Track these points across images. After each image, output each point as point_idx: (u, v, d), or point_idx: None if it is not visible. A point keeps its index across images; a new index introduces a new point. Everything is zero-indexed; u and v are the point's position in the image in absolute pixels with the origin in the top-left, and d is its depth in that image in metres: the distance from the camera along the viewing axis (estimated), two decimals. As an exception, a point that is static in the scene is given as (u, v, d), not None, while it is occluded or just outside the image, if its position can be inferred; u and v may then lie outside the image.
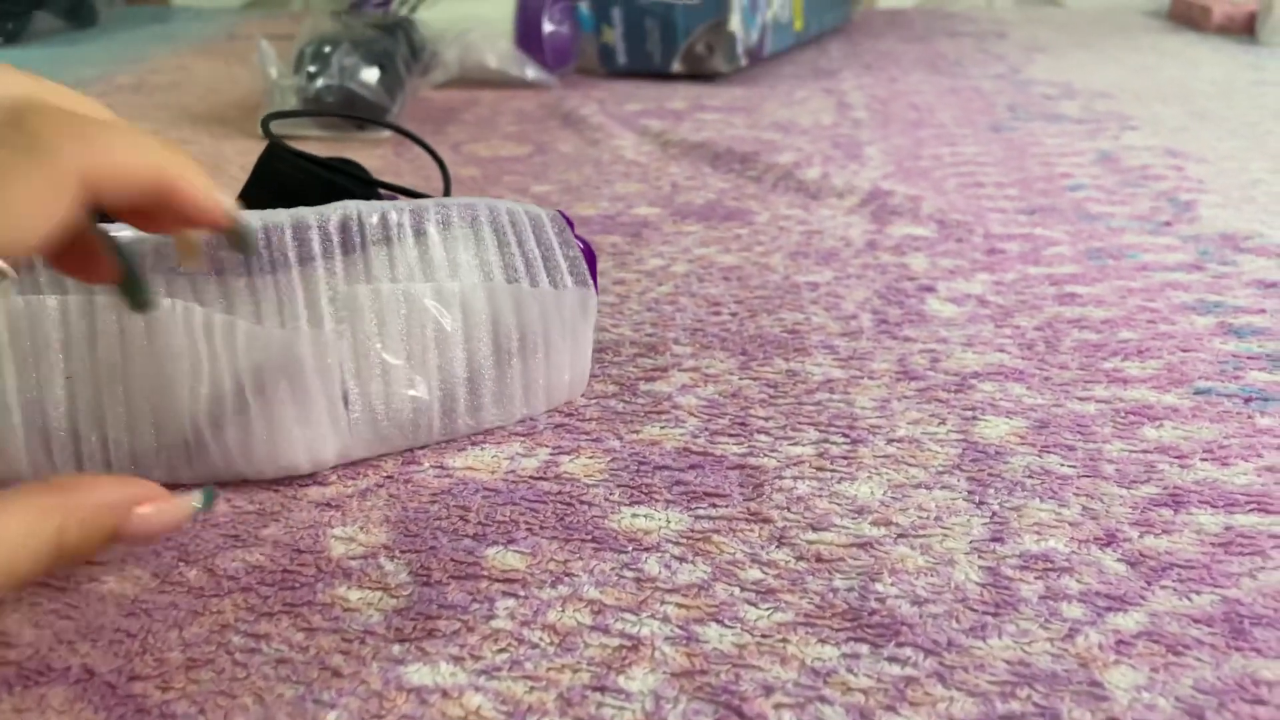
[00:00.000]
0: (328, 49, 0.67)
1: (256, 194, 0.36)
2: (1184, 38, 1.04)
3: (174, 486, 0.26)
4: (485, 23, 0.84)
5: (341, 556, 0.27)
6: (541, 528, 0.28)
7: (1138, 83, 0.83)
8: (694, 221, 0.53)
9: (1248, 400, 0.34)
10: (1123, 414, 0.33)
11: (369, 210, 0.31)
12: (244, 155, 0.65)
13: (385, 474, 0.31)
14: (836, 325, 0.40)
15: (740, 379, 0.36)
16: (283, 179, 0.36)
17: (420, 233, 0.32)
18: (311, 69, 0.66)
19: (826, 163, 0.62)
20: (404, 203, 0.32)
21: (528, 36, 0.84)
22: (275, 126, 0.41)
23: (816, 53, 1.00)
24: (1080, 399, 0.34)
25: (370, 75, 0.67)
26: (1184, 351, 0.37)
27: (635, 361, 0.38)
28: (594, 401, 0.35)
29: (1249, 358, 0.37)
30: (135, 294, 0.26)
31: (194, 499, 0.25)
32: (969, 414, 0.34)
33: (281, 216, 0.30)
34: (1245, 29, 1.05)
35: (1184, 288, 0.43)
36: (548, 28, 0.84)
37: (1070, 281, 0.44)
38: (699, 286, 0.44)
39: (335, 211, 0.31)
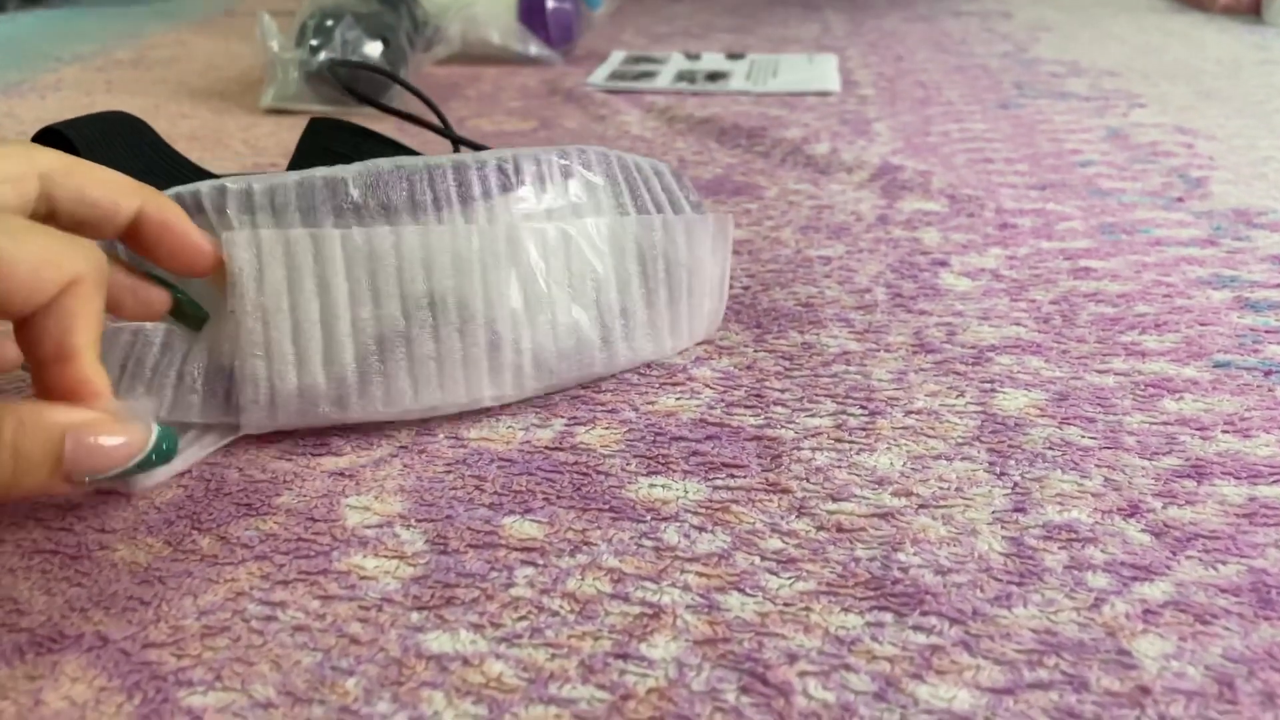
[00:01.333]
0: (330, 22, 0.66)
1: (306, 165, 0.34)
2: (1190, 18, 1.04)
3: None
4: (486, 2, 0.83)
5: (357, 525, 0.27)
6: (558, 497, 0.28)
7: (1144, 62, 0.83)
8: (703, 196, 0.52)
9: (1268, 373, 0.34)
10: (1142, 386, 0.33)
11: (520, 154, 0.32)
12: (245, 130, 0.64)
13: (399, 444, 0.31)
14: (850, 299, 0.40)
15: (755, 351, 0.36)
16: (334, 153, 0.35)
17: (568, 174, 0.33)
18: (314, 42, 0.65)
19: (835, 138, 0.62)
20: (541, 150, 0.33)
21: (531, 12, 0.83)
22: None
23: (820, 30, 1.00)
24: (1099, 371, 0.34)
25: (374, 49, 0.66)
26: (1202, 325, 0.37)
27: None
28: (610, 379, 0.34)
29: (1267, 331, 0.37)
30: (189, 316, 0.29)
31: (140, 440, 0.24)
32: (987, 386, 0.33)
33: (442, 159, 0.31)
34: (1251, 9, 1.04)
35: (1199, 262, 0.43)
36: (551, 4, 0.83)
37: (1084, 256, 0.44)
38: (710, 260, 0.44)
39: (492, 156, 0.32)
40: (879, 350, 0.36)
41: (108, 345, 0.30)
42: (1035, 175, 0.55)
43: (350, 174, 0.30)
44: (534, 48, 0.82)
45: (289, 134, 0.63)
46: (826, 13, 1.10)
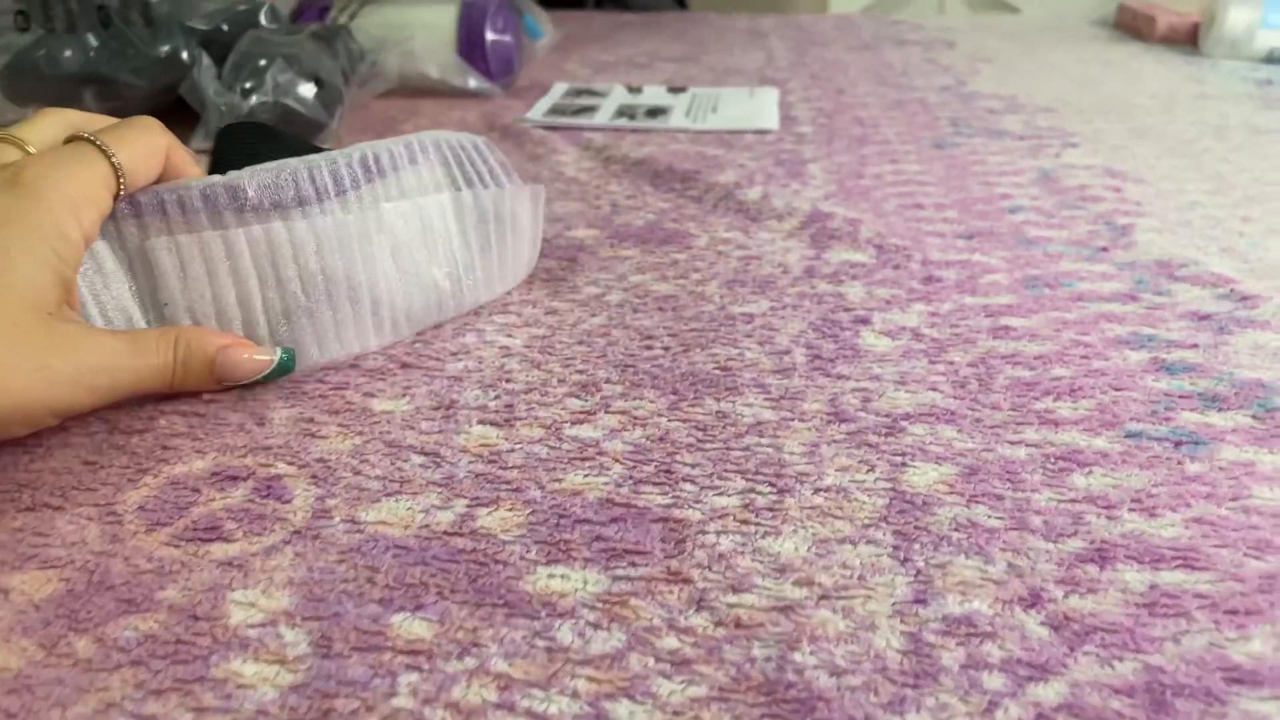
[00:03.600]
0: (262, 63, 0.65)
1: (223, 167, 0.38)
2: (1129, 48, 1.05)
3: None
4: (427, 29, 0.83)
5: (240, 624, 0.26)
6: (452, 591, 0.27)
7: (1081, 96, 0.84)
8: (632, 245, 0.52)
9: (1178, 444, 0.34)
10: (1053, 459, 0.33)
11: (375, 149, 0.40)
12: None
13: (293, 528, 0.30)
14: (770, 361, 0.40)
15: (670, 421, 0.35)
16: (245, 152, 0.40)
17: (414, 160, 0.41)
18: (247, 85, 0.64)
19: (769, 181, 0.61)
20: (389, 142, 0.40)
21: (470, 45, 0.82)
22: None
23: (764, 60, 1.00)
24: (1011, 442, 0.34)
25: (307, 91, 0.65)
26: (1116, 390, 0.37)
27: (564, 403, 0.37)
28: (519, 447, 0.34)
29: (1180, 396, 0.37)
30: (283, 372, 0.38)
31: (275, 355, 0.37)
32: (899, 460, 0.33)
33: (317, 158, 0.38)
34: (1189, 39, 1.06)
35: (1119, 320, 0.43)
36: (490, 36, 0.82)
37: (1006, 313, 0.44)
38: (633, 318, 0.43)
39: (355, 151, 0.39)
40: (794, 419, 0.35)
41: None
42: (964, 222, 0.55)
43: (245, 178, 0.36)
44: (473, 81, 0.82)
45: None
46: (772, 40, 1.10)
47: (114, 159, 0.34)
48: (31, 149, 0.34)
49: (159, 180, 0.37)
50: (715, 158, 0.67)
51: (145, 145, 0.35)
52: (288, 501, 0.31)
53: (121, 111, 0.70)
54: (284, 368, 0.37)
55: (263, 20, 0.69)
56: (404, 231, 0.40)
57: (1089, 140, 0.71)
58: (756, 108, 0.79)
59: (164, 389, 0.35)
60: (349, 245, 0.38)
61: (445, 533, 0.29)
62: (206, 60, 0.66)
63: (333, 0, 0.85)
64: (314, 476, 0.32)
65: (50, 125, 0.35)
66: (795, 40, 1.11)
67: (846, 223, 0.53)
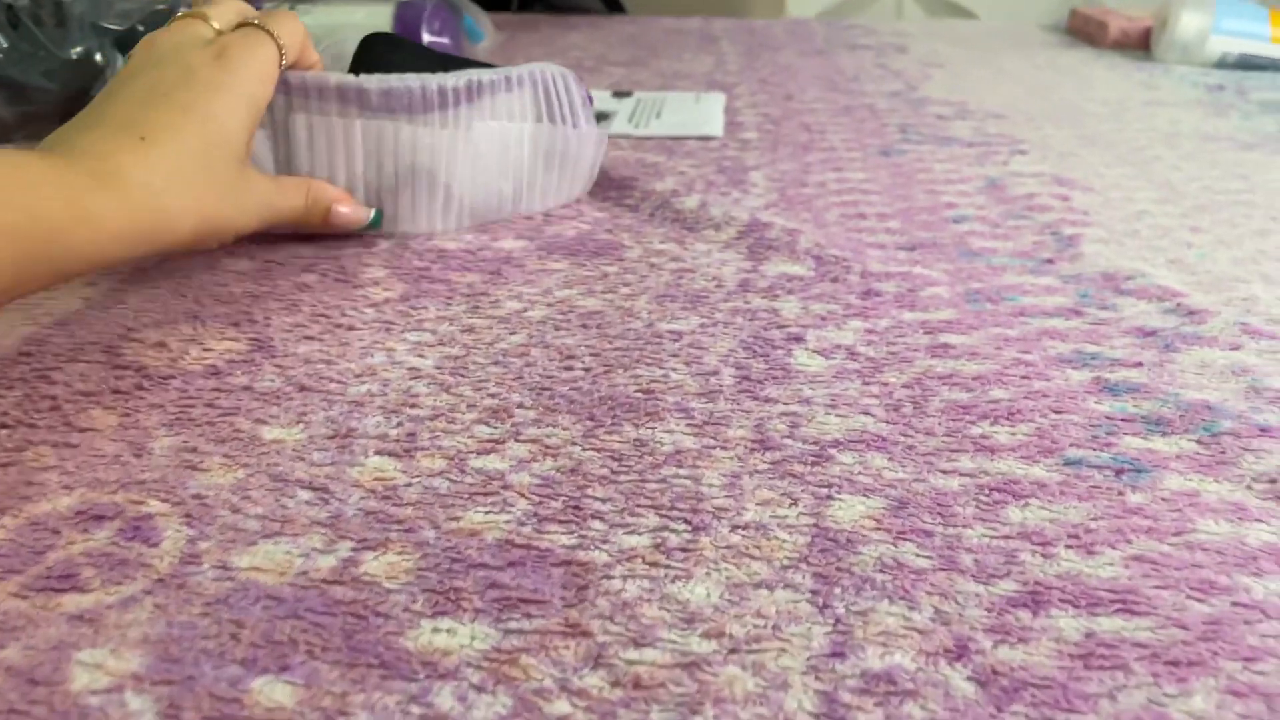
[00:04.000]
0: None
1: (363, 68, 0.49)
2: (1080, 54, 1.04)
3: None
4: (360, 31, 0.80)
5: (82, 690, 0.23)
6: (324, 649, 0.25)
7: (1031, 103, 0.82)
8: (561, 257, 0.49)
9: (1119, 472, 0.32)
10: (987, 490, 0.31)
11: (481, 75, 0.49)
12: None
13: (156, 577, 0.27)
14: (695, 383, 0.37)
15: (583, 450, 0.33)
16: (386, 62, 0.50)
17: (509, 89, 0.50)
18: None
19: (708, 189, 0.59)
20: (494, 71, 0.50)
21: (406, 47, 0.79)
22: None
23: (714, 64, 0.98)
24: (944, 472, 0.32)
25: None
26: (1056, 414, 0.35)
27: (471, 430, 0.34)
28: (417, 481, 0.31)
29: (1123, 419, 0.35)
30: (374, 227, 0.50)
31: (370, 214, 0.49)
32: (824, 492, 0.31)
33: (430, 78, 0.48)
34: (1140, 45, 1.05)
35: (1061, 336, 0.41)
36: (426, 38, 0.80)
37: (945, 329, 0.42)
38: (554, 336, 0.41)
39: (464, 76, 0.49)
40: (716, 447, 0.33)
41: None
42: (906, 233, 0.53)
43: (372, 83, 0.47)
44: (409, 84, 0.79)
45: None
46: (723, 44, 1.09)
47: (280, 43, 0.44)
48: (216, 24, 0.44)
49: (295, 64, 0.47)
50: (655, 165, 0.64)
51: (296, 32, 0.45)
52: (155, 545, 0.28)
53: (31, 116, 0.66)
54: (375, 223, 0.49)
55: (181, 20, 0.66)
56: (486, 148, 0.50)
57: (1038, 147, 0.69)
58: (702, 114, 0.77)
59: (294, 226, 0.47)
60: (439, 151, 0.48)
61: (324, 580, 0.27)
62: (121, 62, 0.63)
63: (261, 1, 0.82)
64: (188, 515, 0.29)
65: (229, 10, 0.45)
66: (747, 45, 1.09)
67: (785, 233, 0.51)
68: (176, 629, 0.25)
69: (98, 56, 0.64)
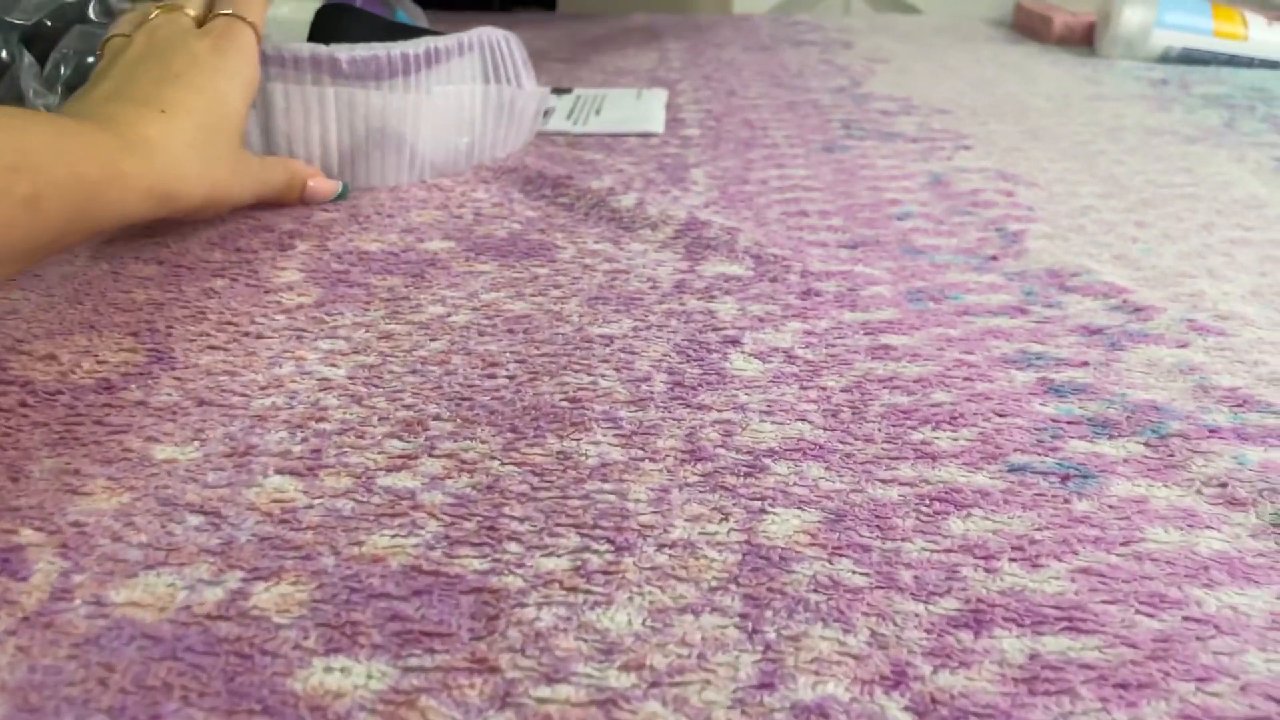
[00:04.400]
0: (90, 60, 0.59)
1: (326, 38, 0.55)
2: (1025, 49, 1.04)
3: None
4: (284, 26, 0.77)
5: (-75, 750, 0.21)
6: (201, 695, 0.22)
7: (976, 98, 0.81)
8: (490, 259, 0.47)
9: (1065, 479, 0.30)
10: (928, 500, 0.29)
11: (436, 43, 0.54)
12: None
13: (23, 614, 0.24)
14: (625, 390, 0.35)
15: (502, 465, 0.31)
16: (343, 30, 0.56)
17: (461, 53, 0.56)
18: (72, 85, 0.57)
19: (648, 187, 0.57)
20: (448, 38, 0.55)
21: (336, 42, 0.77)
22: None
23: (658, 60, 0.96)
24: (883, 481, 0.30)
25: (136, 87, 0.59)
26: (1000, 417, 0.34)
27: (382, 445, 0.32)
28: (319, 502, 0.29)
29: (1069, 422, 0.33)
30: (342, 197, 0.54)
31: (338, 187, 0.53)
32: (757, 505, 0.29)
33: (393, 46, 0.53)
34: (1084, 39, 1.05)
35: (1005, 335, 0.40)
36: (358, 33, 0.77)
37: (886, 330, 0.40)
38: (478, 342, 0.39)
39: (422, 44, 0.54)
40: (644, 459, 0.31)
41: None
42: (849, 231, 0.51)
43: (342, 53, 0.52)
44: (340, 81, 0.76)
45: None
46: (667, 41, 1.07)
47: (256, 27, 0.48)
48: (192, 13, 0.48)
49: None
50: (593, 163, 0.62)
51: (263, 12, 0.49)
52: (23, 579, 0.26)
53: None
54: (343, 194, 0.53)
55: (92, 15, 0.63)
56: (444, 108, 0.55)
57: (982, 142, 0.68)
58: (643, 110, 0.75)
59: (274, 201, 0.51)
60: (404, 113, 0.53)
61: (208, 616, 0.24)
62: (28, 59, 0.59)
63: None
64: (63, 545, 0.27)
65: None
66: (692, 41, 1.08)
67: (724, 231, 0.49)
68: (39, 674, 0.23)
69: (3, 53, 0.60)
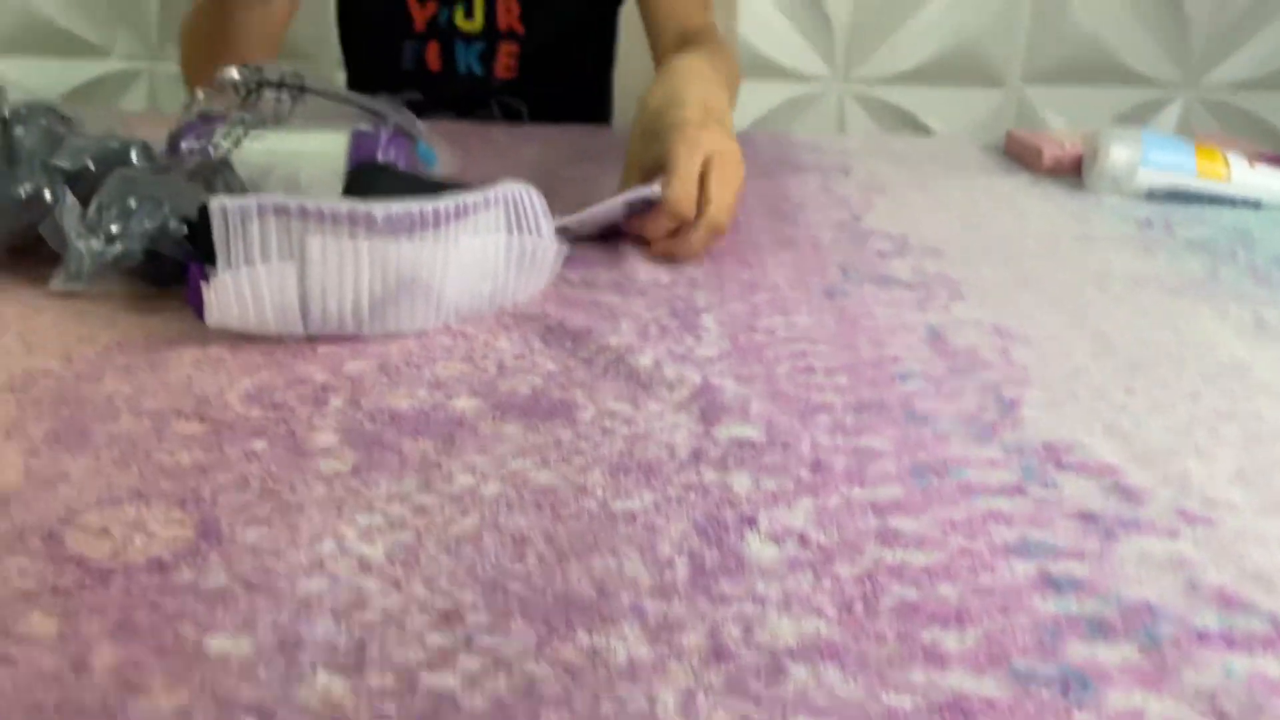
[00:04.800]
0: (132, 203, 0.61)
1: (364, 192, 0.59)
2: (1016, 180, 1.08)
3: None
4: (315, 159, 0.80)
5: None
6: None
7: (968, 238, 0.85)
8: (515, 419, 0.50)
9: (1066, 689, 0.32)
10: (939, 710, 0.31)
11: (464, 199, 0.58)
12: (25, 319, 0.59)
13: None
14: (649, 576, 0.37)
15: (536, 664, 0.33)
16: (378, 187, 0.61)
17: (488, 206, 0.60)
18: (113, 229, 0.60)
19: (662, 336, 0.60)
20: (475, 194, 0.59)
21: (359, 174, 0.80)
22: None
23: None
24: (897, 689, 0.32)
25: (177, 235, 0.62)
26: (1004, 614, 0.36)
27: (423, 640, 0.34)
28: (365, 702, 0.31)
29: (1068, 620, 0.36)
30: None
31: None
32: (779, 713, 0.31)
33: (425, 203, 0.56)
34: (1074, 170, 1.09)
35: (1006, 520, 0.42)
36: (381, 160, 0.80)
37: (894, 510, 0.42)
38: (507, 517, 0.41)
39: (453, 199, 0.57)
40: (670, 657, 0.33)
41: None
42: (854, 392, 0.54)
43: (379, 211, 0.55)
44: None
45: (74, 324, 0.58)
46: (672, 163, 1.10)
47: None
48: None
49: None
50: (609, 308, 0.65)
51: None
52: (95, 788, 0.27)
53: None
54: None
55: (134, 158, 0.66)
56: (470, 258, 0.59)
57: (976, 290, 0.71)
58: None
59: None
60: (433, 264, 0.57)
61: (272, 834, 0.26)
62: (71, 199, 0.62)
63: (213, 120, 0.82)
64: (130, 751, 0.29)
65: None
66: (695, 161, 1.12)
67: (737, 396, 0.52)
68: None
69: (47, 195, 0.63)
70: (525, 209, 0.62)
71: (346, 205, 0.55)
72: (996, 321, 0.65)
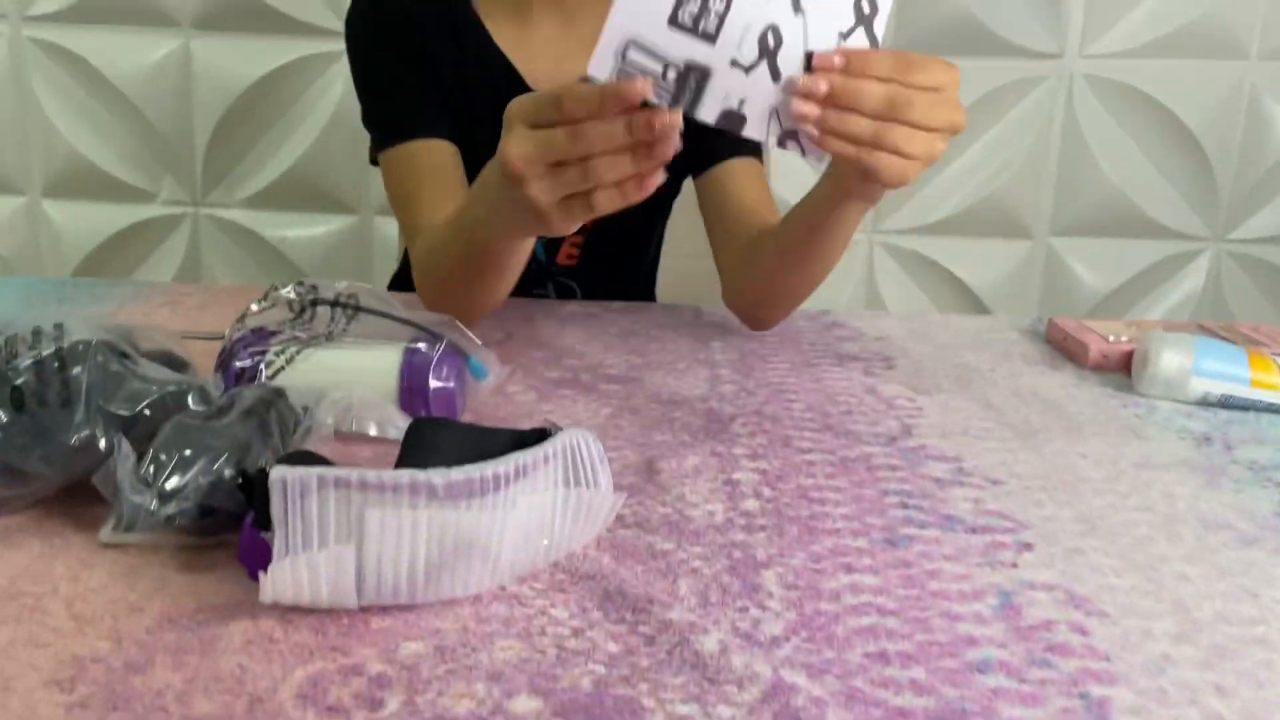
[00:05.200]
0: (188, 453, 0.61)
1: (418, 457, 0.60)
2: (1063, 376, 1.07)
3: None
4: (367, 377, 0.80)
5: None
6: None
7: (1025, 462, 0.83)
8: (579, 726, 0.47)
9: None
10: None
11: (522, 458, 0.58)
12: (75, 580, 0.57)
13: None
14: None
15: None
16: (434, 445, 0.61)
17: (546, 462, 0.60)
18: (167, 486, 0.59)
19: (724, 601, 0.58)
20: (532, 452, 0.59)
21: (412, 394, 0.80)
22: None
23: (709, 384, 0.99)
24: None
25: (231, 484, 0.61)
26: None
27: None
28: None
29: None
30: None
31: None
32: None
33: (485, 466, 0.56)
34: (1121, 368, 1.08)
35: None
36: (434, 385, 0.80)
37: None
38: None
39: (511, 461, 0.57)
40: None
41: None
42: (933, 690, 0.52)
43: (438, 480, 0.54)
44: (411, 432, 0.79)
45: (123, 589, 0.57)
46: (716, 353, 1.10)
47: None
48: None
49: None
50: (665, 555, 0.64)
51: None
52: None
53: (25, 496, 0.64)
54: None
55: (191, 404, 0.65)
56: (527, 515, 0.58)
57: (1042, 538, 0.69)
58: (704, 472, 0.77)
59: None
60: (491, 528, 0.56)
61: None
62: (126, 448, 0.62)
63: (265, 335, 0.82)
64: None
65: None
66: (741, 351, 1.11)
67: (811, 701, 0.50)
68: None
69: (101, 443, 0.63)
70: (583, 459, 0.63)
71: (407, 475, 0.54)
72: (1069, 586, 0.63)
